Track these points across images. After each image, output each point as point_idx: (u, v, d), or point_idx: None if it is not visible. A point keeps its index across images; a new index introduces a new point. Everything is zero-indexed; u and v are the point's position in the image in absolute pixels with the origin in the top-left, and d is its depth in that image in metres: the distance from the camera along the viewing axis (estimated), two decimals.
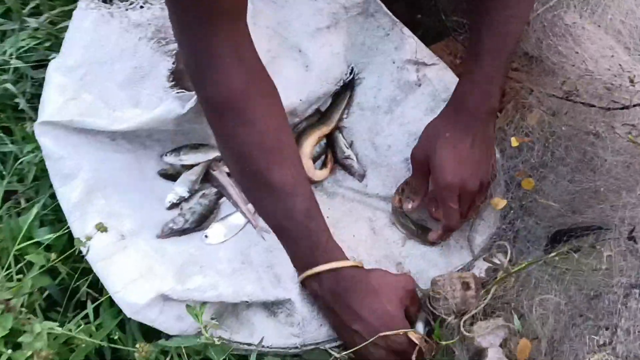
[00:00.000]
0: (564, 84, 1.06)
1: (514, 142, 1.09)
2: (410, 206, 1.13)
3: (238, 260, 1.11)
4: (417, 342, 0.96)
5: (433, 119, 1.09)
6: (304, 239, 0.97)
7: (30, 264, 1.05)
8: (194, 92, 1.11)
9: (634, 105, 0.92)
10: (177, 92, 1.13)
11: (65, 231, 1.09)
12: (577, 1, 1.08)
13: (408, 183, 1.17)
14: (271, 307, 1.07)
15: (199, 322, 0.98)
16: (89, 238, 0.94)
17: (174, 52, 1.21)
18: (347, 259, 0.99)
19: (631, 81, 0.93)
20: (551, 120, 1.08)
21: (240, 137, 0.94)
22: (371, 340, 0.93)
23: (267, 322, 1.07)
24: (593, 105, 0.99)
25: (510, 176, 1.15)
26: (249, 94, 0.93)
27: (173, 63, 1.19)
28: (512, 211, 1.13)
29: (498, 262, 1.10)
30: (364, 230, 1.20)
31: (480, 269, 1.13)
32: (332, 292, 0.96)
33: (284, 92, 1.10)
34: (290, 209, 0.96)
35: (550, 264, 1.01)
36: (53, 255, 0.97)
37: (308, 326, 1.06)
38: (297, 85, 1.19)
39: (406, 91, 1.22)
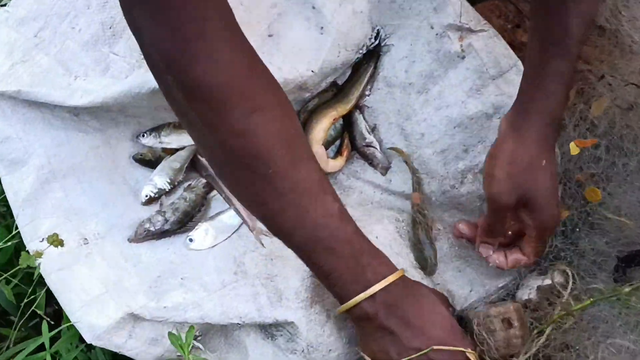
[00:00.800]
0: None
1: (574, 149, 0.93)
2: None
3: (230, 271, 0.94)
4: None
5: (513, 143, 0.89)
6: (345, 250, 0.79)
7: None
8: None
9: None
10: None
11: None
12: None
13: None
14: (268, 328, 0.94)
15: (184, 356, 0.80)
16: (39, 254, 0.75)
17: None
18: (394, 265, 0.84)
19: None
20: (625, 115, 0.87)
21: (252, 128, 0.72)
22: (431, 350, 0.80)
23: (263, 347, 0.94)
24: None
25: (568, 183, 0.99)
26: (253, 77, 0.73)
27: None
28: (572, 226, 0.97)
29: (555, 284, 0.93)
30: (387, 234, 1.01)
31: (531, 288, 0.97)
32: (386, 305, 0.81)
33: (291, 61, 0.96)
34: (325, 212, 0.78)
35: (621, 298, 0.84)
36: None
37: (314, 353, 0.91)
38: (308, 52, 1.00)
39: (446, 65, 1.02)
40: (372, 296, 0.80)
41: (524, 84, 0.90)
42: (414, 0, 1.02)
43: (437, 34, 1.01)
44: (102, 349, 0.91)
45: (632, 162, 0.94)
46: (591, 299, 0.88)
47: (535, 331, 0.86)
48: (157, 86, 0.88)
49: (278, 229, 0.80)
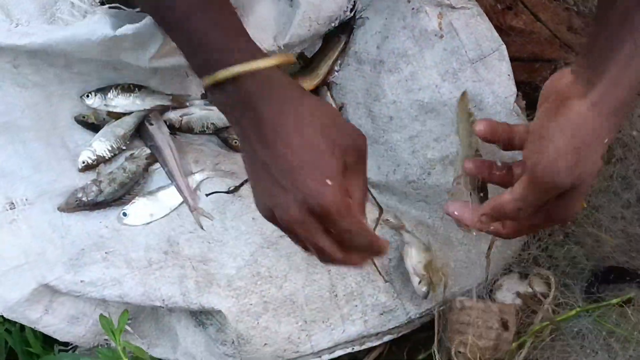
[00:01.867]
0: None
1: None
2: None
3: (160, 250, 0.89)
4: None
5: (586, 108, 0.67)
6: (222, 18, 0.68)
7: None
8: (136, 12, 0.86)
9: None
10: (111, 7, 0.86)
11: None
12: None
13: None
14: (199, 315, 0.89)
15: (115, 342, 0.75)
16: None
17: None
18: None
19: None
20: None
21: None
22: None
23: (194, 335, 0.90)
24: None
25: None
26: None
27: None
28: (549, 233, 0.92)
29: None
30: None
31: (512, 292, 0.93)
32: (241, 102, 0.66)
33: (257, 36, 0.82)
34: None
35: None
36: None
37: (246, 346, 0.87)
38: (276, 24, 0.94)
39: (422, 44, 0.93)
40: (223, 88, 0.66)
41: (605, 30, 0.67)
42: None
43: (413, 9, 0.93)
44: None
45: (616, 171, 0.87)
46: (577, 309, 0.83)
47: (514, 344, 0.81)
48: (109, 33, 0.82)
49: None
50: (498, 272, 0.96)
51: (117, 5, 0.87)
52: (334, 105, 1.00)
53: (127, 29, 0.83)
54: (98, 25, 0.85)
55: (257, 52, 0.67)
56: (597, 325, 0.82)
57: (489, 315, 0.83)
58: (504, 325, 0.83)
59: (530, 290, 0.89)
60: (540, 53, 1.02)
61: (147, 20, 0.82)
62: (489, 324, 0.83)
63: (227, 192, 0.93)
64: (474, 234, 0.78)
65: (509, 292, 0.92)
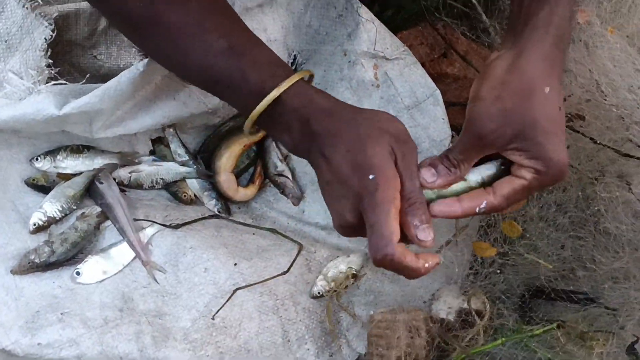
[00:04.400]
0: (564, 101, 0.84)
1: None
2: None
3: (115, 307, 0.91)
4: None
5: (508, 60, 0.72)
6: (241, 86, 0.73)
7: None
8: (80, 86, 0.91)
9: None
10: (55, 84, 0.89)
11: None
12: None
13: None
14: None
15: None
16: None
17: (55, 16, 0.96)
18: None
19: None
20: None
21: None
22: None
23: None
24: (602, 145, 0.77)
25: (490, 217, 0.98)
26: None
27: (53, 31, 0.95)
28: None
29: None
30: (295, 268, 0.99)
31: (450, 307, 0.96)
32: (300, 114, 0.72)
33: (199, 93, 0.95)
34: (206, 51, 0.73)
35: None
36: None
37: None
38: None
39: (360, 94, 1.01)
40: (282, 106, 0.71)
41: (522, 3, 0.74)
42: (330, 25, 1.00)
43: (350, 61, 0.99)
44: None
45: (550, 199, 0.94)
46: (502, 339, 0.89)
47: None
48: (54, 113, 0.87)
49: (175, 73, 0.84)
50: (441, 284, 1.01)
51: (61, 82, 0.91)
52: (277, 154, 1.05)
53: (72, 107, 0.86)
54: (42, 104, 0.87)
55: (284, 74, 0.72)
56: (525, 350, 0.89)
57: (397, 325, 0.87)
58: (415, 332, 0.86)
59: (466, 306, 0.93)
60: None
61: (92, 95, 0.86)
62: (398, 333, 0.87)
63: (166, 226, 0.95)
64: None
65: (445, 305, 0.96)
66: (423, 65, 1.03)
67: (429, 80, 1.00)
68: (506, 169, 0.72)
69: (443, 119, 0.99)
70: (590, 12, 0.86)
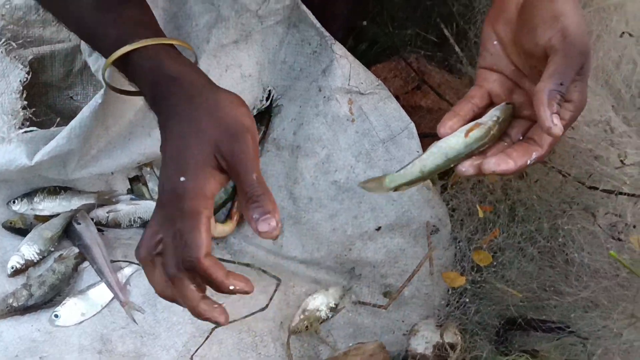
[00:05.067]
0: None
1: (480, 212, 0.94)
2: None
3: (94, 349, 0.91)
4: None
5: None
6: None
7: None
8: (49, 131, 0.93)
9: (620, 193, 0.72)
10: (26, 131, 0.92)
11: None
12: None
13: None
14: None
15: None
16: None
17: (30, 59, 0.98)
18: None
19: (621, 161, 0.73)
20: (519, 185, 0.89)
21: None
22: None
23: None
24: (568, 175, 0.79)
25: (461, 247, 0.99)
26: None
27: (28, 73, 0.97)
28: (462, 290, 0.98)
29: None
30: (274, 303, 0.99)
31: (427, 341, 0.97)
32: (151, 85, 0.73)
33: None
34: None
35: None
36: None
37: None
38: None
39: (335, 129, 1.02)
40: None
41: None
42: (305, 61, 1.02)
43: (325, 97, 1.01)
44: None
45: (520, 230, 0.96)
46: None
47: None
48: (26, 164, 0.89)
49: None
50: (419, 318, 1.02)
51: (32, 129, 0.93)
52: None
53: (42, 154, 0.88)
54: (14, 155, 0.90)
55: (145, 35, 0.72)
56: None
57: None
58: None
59: (440, 340, 0.94)
60: None
61: (59, 137, 0.87)
62: None
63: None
64: None
65: (423, 339, 0.97)
66: (397, 98, 1.05)
67: (403, 113, 1.02)
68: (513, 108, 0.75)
69: (418, 151, 1.00)
70: None
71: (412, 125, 1.01)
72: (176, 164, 0.66)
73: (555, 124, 0.66)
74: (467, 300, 0.94)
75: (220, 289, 0.66)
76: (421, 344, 0.96)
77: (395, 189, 0.75)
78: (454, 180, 1.00)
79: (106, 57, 0.73)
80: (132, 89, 0.76)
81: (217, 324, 0.67)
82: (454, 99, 1.11)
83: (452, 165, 0.73)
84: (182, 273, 0.64)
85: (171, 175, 0.65)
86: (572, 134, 0.81)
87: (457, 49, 1.15)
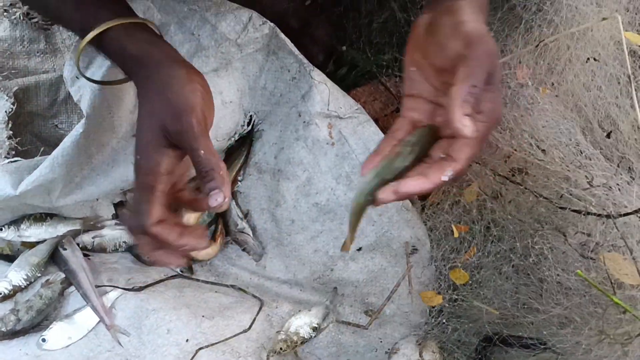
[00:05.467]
0: (507, 160, 0.90)
1: (456, 232, 0.96)
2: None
3: None
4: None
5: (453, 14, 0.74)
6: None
7: None
8: (33, 161, 0.95)
9: (588, 213, 0.76)
10: (10, 162, 0.95)
11: None
12: (532, 57, 0.91)
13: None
14: None
15: None
16: None
17: (15, 90, 1.01)
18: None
19: (589, 183, 0.76)
20: (493, 205, 0.92)
21: None
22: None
23: None
24: (540, 196, 0.83)
25: (439, 266, 1.00)
26: None
27: (13, 104, 1.00)
28: (440, 309, 1.00)
29: None
30: (257, 324, 1.02)
31: (408, 358, 0.98)
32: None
33: None
34: None
35: None
36: None
37: None
38: None
39: (315, 152, 1.05)
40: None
41: None
42: (284, 87, 1.05)
43: (304, 122, 1.04)
44: None
45: (495, 249, 0.99)
46: None
47: None
48: (10, 193, 0.91)
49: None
50: (400, 337, 1.03)
51: (16, 159, 0.96)
52: (237, 212, 1.10)
53: (26, 183, 0.91)
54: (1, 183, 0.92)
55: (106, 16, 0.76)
56: None
57: None
58: None
59: (420, 359, 0.95)
60: None
61: (42, 167, 0.90)
62: None
63: (129, 290, 0.98)
64: None
65: (404, 357, 0.98)
66: (376, 121, 1.08)
67: (382, 136, 1.02)
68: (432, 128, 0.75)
69: None
70: (525, 74, 0.93)
71: None
72: (135, 144, 0.73)
73: (465, 124, 0.66)
74: (445, 320, 0.97)
75: (176, 250, 0.73)
76: None
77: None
78: (432, 200, 1.04)
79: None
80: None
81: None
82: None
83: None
84: (139, 237, 0.72)
85: (134, 154, 0.72)
86: (544, 156, 0.84)
87: None
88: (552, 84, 0.96)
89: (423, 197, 1.10)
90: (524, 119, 0.87)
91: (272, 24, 1.02)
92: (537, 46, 0.95)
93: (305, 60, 1.03)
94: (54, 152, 0.89)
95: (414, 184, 0.70)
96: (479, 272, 0.95)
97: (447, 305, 0.97)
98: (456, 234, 0.95)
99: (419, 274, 1.02)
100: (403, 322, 1.03)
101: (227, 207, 0.72)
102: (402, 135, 0.77)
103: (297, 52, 1.03)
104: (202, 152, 0.70)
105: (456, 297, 0.96)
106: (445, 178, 0.71)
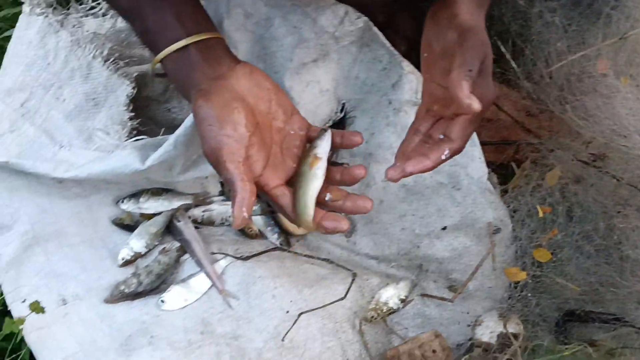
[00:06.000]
0: (588, 146, 0.97)
1: (540, 212, 1.02)
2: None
3: (196, 331, 1.02)
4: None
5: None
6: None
7: None
8: (157, 139, 1.04)
9: None
10: (137, 139, 1.04)
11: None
12: (612, 50, 0.98)
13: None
14: None
15: None
16: (21, 321, 0.85)
17: (135, 75, 1.11)
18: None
19: None
20: (576, 188, 0.99)
21: None
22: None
23: None
24: (621, 179, 0.89)
25: (522, 244, 1.07)
26: None
27: (133, 88, 1.09)
28: (524, 284, 1.07)
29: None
30: (351, 294, 1.11)
31: (492, 331, 1.06)
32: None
33: None
34: None
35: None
36: None
37: None
38: None
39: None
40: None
41: None
42: (376, 77, 1.13)
43: (394, 109, 1.11)
44: None
45: (577, 229, 1.06)
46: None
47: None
48: (139, 167, 1.00)
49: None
50: (484, 309, 1.11)
51: (142, 137, 1.06)
52: None
53: (152, 159, 0.99)
54: (128, 159, 1.01)
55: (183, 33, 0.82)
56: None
57: (412, 356, 0.99)
58: (432, 354, 0.99)
59: (503, 330, 1.03)
60: (506, 136, 1.21)
61: (166, 144, 0.99)
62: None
63: (237, 258, 1.08)
64: None
65: (487, 329, 1.06)
66: None
67: None
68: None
69: (480, 158, 1.09)
70: (605, 65, 0.99)
71: (474, 134, 1.09)
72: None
73: (473, 100, 0.75)
74: (529, 294, 1.04)
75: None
76: (486, 333, 1.06)
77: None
78: (514, 184, 1.11)
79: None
80: None
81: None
82: (511, 110, 1.22)
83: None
84: None
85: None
86: (625, 141, 0.91)
87: (513, 64, 1.26)
88: (631, 75, 1.02)
89: (504, 182, 1.18)
90: (605, 107, 0.93)
91: (366, 18, 1.10)
92: (620, 39, 1.01)
93: (395, 52, 1.11)
94: (177, 131, 0.98)
95: (417, 164, 0.81)
96: (561, 251, 1.01)
97: (530, 281, 1.05)
98: (541, 214, 1.02)
99: (501, 253, 1.10)
100: (486, 297, 1.11)
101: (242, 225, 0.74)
102: (425, 128, 0.87)
103: (388, 44, 1.11)
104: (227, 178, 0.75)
105: (539, 273, 1.03)
106: (443, 157, 0.83)
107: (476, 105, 0.76)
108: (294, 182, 0.78)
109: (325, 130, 0.81)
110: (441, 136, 0.85)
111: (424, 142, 0.86)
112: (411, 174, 0.81)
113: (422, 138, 0.88)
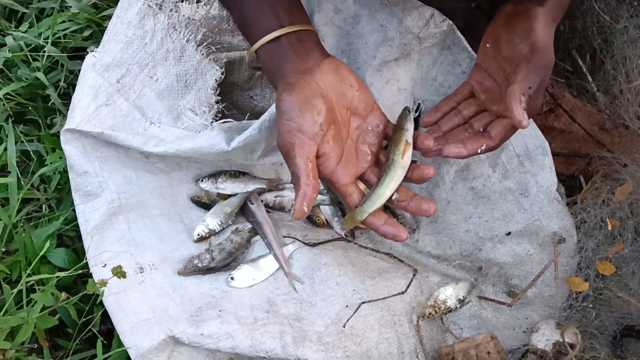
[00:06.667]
0: None
1: (609, 225, 1.04)
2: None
3: (262, 309, 1.06)
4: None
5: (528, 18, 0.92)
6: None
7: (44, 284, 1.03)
8: (243, 123, 1.08)
9: None
10: (223, 122, 1.08)
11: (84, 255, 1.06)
12: None
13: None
14: None
15: None
16: (104, 283, 0.91)
17: (225, 61, 1.16)
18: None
19: None
20: None
21: None
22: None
23: None
24: None
25: (587, 256, 1.09)
26: None
27: (222, 74, 1.14)
28: (584, 296, 1.08)
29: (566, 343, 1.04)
30: (411, 289, 1.14)
31: (548, 338, 1.08)
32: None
33: None
34: None
35: None
36: (63, 295, 0.94)
37: None
38: None
39: None
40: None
41: None
42: (454, 79, 1.15)
43: None
44: None
45: None
46: None
47: None
48: (224, 148, 1.05)
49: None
50: (540, 317, 1.13)
51: (228, 120, 1.10)
52: None
53: (237, 141, 1.03)
54: (216, 140, 1.05)
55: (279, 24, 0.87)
56: None
57: (467, 355, 1.00)
58: (486, 355, 1.00)
59: (560, 339, 1.04)
60: (578, 149, 1.21)
61: (251, 129, 1.02)
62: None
63: (305, 244, 1.12)
64: None
65: (543, 337, 1.07)
66: (533, 119, 1.18)
67: (539, 132, 1.12)
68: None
69: (550, 167, 1.11)
70: None
71: (546, 143, 1.12)
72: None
73: (524, 117, 0.84)
74: (589, 305, 1.05)
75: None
76: (542, 340, 1.07)
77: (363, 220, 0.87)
78: (583, 196, 1.12)
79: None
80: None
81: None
82: (584, 123, 1.22)
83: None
84: None
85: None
86: None
87: (589, 78, 1.26)
88: None
89: (569, 194, 1.19)
90: None
91: (450, 22, 1.12)
92: None
93: (476, 56, 1.13)
94: (262, 117, 1.02)
95: (454, 149, 0.91)
96: (626, 265, 1.02)
97: (591, 293, 1.06)
98: (609, 227, 1.03)
99: (564, 263, 1.11)
100: (544, 305, 1.12)
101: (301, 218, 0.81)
102: (460, 99, 0.99)
103: (469, 48, 1.13)
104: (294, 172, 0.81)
105: (601, 286, 1.04)
106: (479, 151, 0.92)
107: (525, 123, 0.85)
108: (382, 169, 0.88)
109: (408, 109, 0.91)
110: (481, 129, 0.94)
111: (464, 129, 0.97)
112: (446, 156, 0.92)
113: (462, 122, 0.98)
